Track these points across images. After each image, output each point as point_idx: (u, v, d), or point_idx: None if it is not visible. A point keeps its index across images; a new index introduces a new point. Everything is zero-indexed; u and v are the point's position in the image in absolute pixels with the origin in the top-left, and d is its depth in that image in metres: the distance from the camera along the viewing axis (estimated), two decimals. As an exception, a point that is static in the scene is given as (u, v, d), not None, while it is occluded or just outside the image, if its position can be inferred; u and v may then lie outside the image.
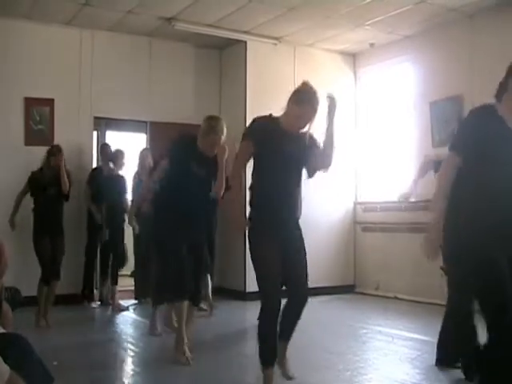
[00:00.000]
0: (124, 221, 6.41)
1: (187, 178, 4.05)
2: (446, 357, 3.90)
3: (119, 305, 6.47)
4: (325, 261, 7.31)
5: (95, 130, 7.50)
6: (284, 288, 3.29)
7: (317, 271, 7.10)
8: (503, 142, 2.66)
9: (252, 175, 3.36)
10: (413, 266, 6.94)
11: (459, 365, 3.77)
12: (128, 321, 6.15)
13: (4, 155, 6.37)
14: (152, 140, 7.42)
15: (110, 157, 6.79)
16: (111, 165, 6.76)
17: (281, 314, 3.21)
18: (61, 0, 6.09)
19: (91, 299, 6.78)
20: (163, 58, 7.45)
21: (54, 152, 5.53)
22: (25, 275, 5.44)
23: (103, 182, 6.66)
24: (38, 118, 6.68)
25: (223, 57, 7.87)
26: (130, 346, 4.81)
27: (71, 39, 6.88)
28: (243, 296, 6.94)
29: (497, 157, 2.64)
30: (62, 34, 6.82)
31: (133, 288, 7.23)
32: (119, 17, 6.59)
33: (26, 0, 6.07)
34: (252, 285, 6.92)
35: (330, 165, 3.32)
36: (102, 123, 7.95)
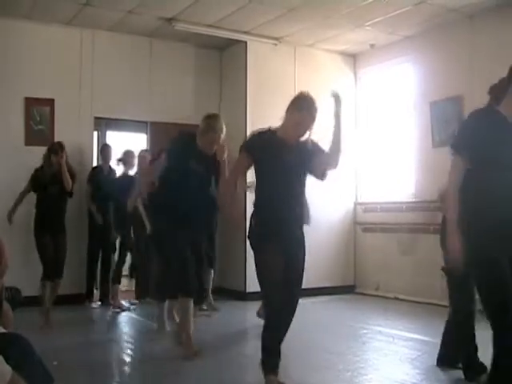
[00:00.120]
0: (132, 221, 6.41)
1: (186, 175, 4.05)
2: (447, 357, 3.90)
3: (121, 304, 6.47)
4: (325, 261, 7.31)
5: (95, 130, 7.50)
6: None
7: (317, 271, 7.15)
8: (504, 147, 2.63)
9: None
10: (413, 266, 6.94)
11: (459, 365, 3.77)
12: (128, 321, 6.15)
13: (4, 155, 6.37)
14: (152, 140, 7.42)
15: (120, 158, 6.82)
16: (121, 165, 6.76)
17: None
18: (61, 0, 6.10)
19: (92, 299, 6.78)
20: (163, 58, 7.45)
21: (56, 149, 5.53)
22: (25, 275, 5.43)
23: (114, 182, 6.68)
24: (39, 118, 6.68)
25: (223, 57, 7.87)
26: (130, 345, 4.81)
27: (72, 39, 6.88)
28: (243, 296, 6.94)
29: (497, 162, 2.63)
30: (62, 34, 6.82)
31: (133, 288, 7.25)
32: (120, 17, 6.59)
33: (27, 0, 6.08)
34: (252, 285, 6.93)
35: (337, 163, 3.33)
36: (103, 123, 7.96)
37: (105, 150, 7.05)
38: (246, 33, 7.13)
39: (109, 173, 6.91)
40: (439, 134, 6.74)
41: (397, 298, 7.09)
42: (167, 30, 6.91)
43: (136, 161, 6.68)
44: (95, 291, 6.93)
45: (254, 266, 3.30)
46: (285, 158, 3.23)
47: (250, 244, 3.33)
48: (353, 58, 8.08)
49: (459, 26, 6.53)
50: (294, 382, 3.53)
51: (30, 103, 6.63)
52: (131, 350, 4.68)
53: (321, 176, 3.40)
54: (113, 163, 7.02)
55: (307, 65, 7.61)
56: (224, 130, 4.12)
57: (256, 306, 5.58)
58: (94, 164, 7.15)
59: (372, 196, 7.82)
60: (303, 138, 3.35)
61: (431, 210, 6.75)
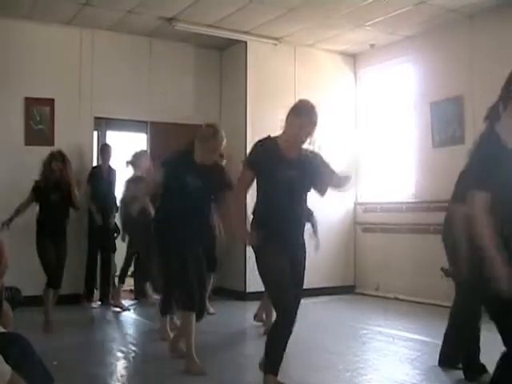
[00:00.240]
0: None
1: (184, 194, 3.96)
2: (447, 357, 3.90)
3: (121, 304, 6.47)
4: (325, 261, 7.30)
5: (95, 130, 7.49)
6: None
7: (317, 272, 7.14)
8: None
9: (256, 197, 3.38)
10: (413, 266, 6.94)
11: (460, 365, 3.77)
12: (128, 321, 6.15)
13: (4, 155, 6.36)
14: (152, 140, 7.42)
15: (130, 160, 6.83)
16: (131, 167, 6.78)
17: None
18: (61, 0, 6.09)
19: (91, 299, 6.78)
20: (163, 58, 7.45)
21: (57, 157, 5.48)
22: (25, 275, 5.43)
23: (127, 185, 6.71)
24: (39, 117, 6.67)
25: (223, 57, 7.87)
26: (130, 345, 4.80)
27: (71, 39, 6.88)
28: (243, 296, 6.94)
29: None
30: (62, 34, 6.82)
31: (132, 288, 7.25)
32: (119, 17, 6.59)
33: (27, 0, 6.07)
34: (252, 285, 6.95)
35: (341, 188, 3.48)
36: (103, 123, 7.94)
37: (104, 149, 7.04)
38: (246, 33, 7.13)
39: (108, 173, 6.90)
40: (439, 135, 6.74)
41: (397, 298, 7.09)
42: (167, 29, 6.91)
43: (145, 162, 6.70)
44: (95, 291, 6.92)
45: (259, 270, 3.28)
46: (287, 172, 3.22)
47: (258, 247, 3.30)
48: (353, 58, 8.07)
49: (459, 26, 6.53)
50: (293, 382, 3.53)
51: (30, 103, 6.63)
52: (131, 350, 4.67)
53: (322, 193, 3.43)
54: (112, 163, 7.01)
55: (307, 65, 7.61)
56: (225, 140, 4.09)
57: (256, 305, 5.58)
58: (94, 164, 7.14)
59: (372, 196, 7.81)
60: (305, 145, 3.33)
61: (431, 211, 6.75)
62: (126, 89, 7.14)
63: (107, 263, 6.82)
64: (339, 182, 3.40)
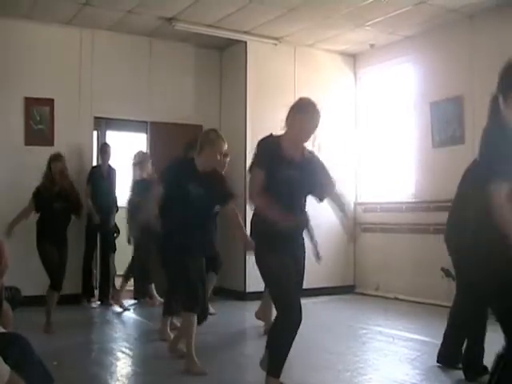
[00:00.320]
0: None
1: (186, 203, 3.93)
2: (446, 357, 3.90)
3: (122, 303, 6.46)
4: (325, 261, 7.21)
5: (95, 129, 7.50)
6: None
7: (317, 271, 7.10)
8: None
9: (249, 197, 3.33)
10: (413, 266, 6.94)
11: (459, 366, 3.77)
12: (128, 321, 6.15)
13: (4, 155, 6.36)
14: (152, 140, 7.42)
15: (136, 160, 6.83)
16: (137, 168, 6.78)
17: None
18: (61, 0, 6.09)
19: (90, 299, 6.77)
20: (163, 58, 7.45)
21: (56, 157, 5.44)
22: (25, 275, 5.43)
23: (134, 188, 6.71)
24: (38, 117, 6.67)
25: (223, 57, 7.87)
26: (130, 345, 4.80)
27: (71, 39, 6.88)
28: (243, 296, 6.94)
29: None
30: (62, 34, 6.81)
31: (132, 288, 7.24)
32: (119, 16, 6.58)
33: (27, 0, 6.07)
34: (252, 285, 6.95)
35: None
36: (102, 123, 7.96)
37: (104, 149, 7.04)
38: (246, 33, 7.13)
39: (108, 172, 6.90)
40: (439, 134, 6.73)
41: (397, 298, 7.09)
42: (167, 29, 6.91)
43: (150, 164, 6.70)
44: (94, 291, 6.92)
45: (262, 269, 3.26)
46: (286, 172, 3.21)
47: (260, 247, 3.28)
48: (353, 58, 8.07)
49: (459, 26, 6.53)
50: (293, 381, 3.53)
51: (30, 103, 6.63)
52: (131, 350, 4.67)
53: (320, 198, 3.44)
54: (112, 162, 7.01)
55: (307, 65, 7.60)
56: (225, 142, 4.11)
57: (256, 305, 5.58)
58: (94, 164, 7.14)
59: (372, 196, 7.82)
60: (307, 145, 3.33)
61: (431, 210, 6.75)
62: (126, 89, 7.14)
63: (106, 263, 6.82)
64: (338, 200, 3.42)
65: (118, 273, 7.47)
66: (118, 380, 3.86)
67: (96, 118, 7.12)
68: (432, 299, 6.47)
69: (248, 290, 6.93)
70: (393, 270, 7.24)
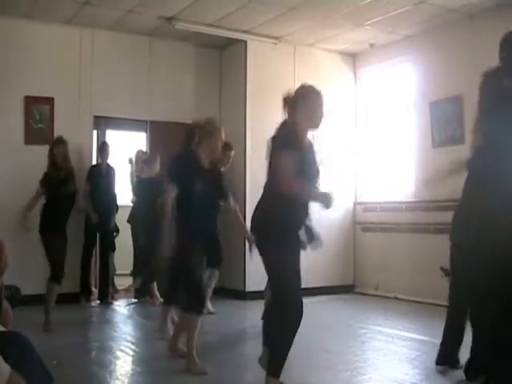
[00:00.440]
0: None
1: (193, 200, 3.92)
2: (445, 357, 3.89)
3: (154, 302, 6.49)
4: (324, 261, 7.30)
5: (95, 128, 7.49)
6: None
7: (316, 271, 7.15)
8: None
9: (277, 183, 3.20)
10: (413, 266, 6.94)
11: (459, 366, 3.76)
12: (128, 320, 6.15)
13: (4, 154, 6.36)
14: (152, 139, 7.42)
15: (145, 161, 6.84)
16: (145, 168, 6.77)
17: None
18: (61, -1, 6.10)
19: (89, 297, 6.77)
20: (163, 57, 7.45)
21: (59, 141, 5.47)
22: (24, 274, 5.43)
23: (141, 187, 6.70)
24: (38, 116, 6.67)
25: (223, 56, 7.86)
26: (129, 345, 4.80)
27: (71, 38, 6.88)
28: (243, 296, 6.94)
29: None
30: (62, 33, 6.81)
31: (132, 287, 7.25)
32: (119, 16, 6.58)
33: (27, -1, 6.08)
34: (252, 284, 6.95)
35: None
36: (102, 122, 7.96)
37: (103, 147, 7.04)
38: (245, 32, 7.13)
39: (107, 171, 6.89)
40: (439, 134, 6.73)
41: (396, 298, 7.09)
42: (167, 29, 6.91)
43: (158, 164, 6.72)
44: (94, 290, 6.93)
45: (276, 266, 3.20)
46: (308, 157, 3.22)
47: (278, 242, 3.16)
48: (352, 58, 8.07)
49: (459, 25, 6.53)
50: (293, 381, 3.52)
51: (30, 102, 6.62)
52: (131, 349, 4.67)
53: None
54: (111, 161, 7.01)
55: (307, 64, 7.60)
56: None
57: (255, 305, 5.58)
58: (94, 163, 7.14)
59: (372, 196, 7.82)
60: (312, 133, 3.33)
61: (431, 210, 6.75)
62: (126, 88, 7.14)
63: (105, 262, 6.81)
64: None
65: (117, 272, 7.50)
66: (118, 379, 3.86)
67: (96, 116, 7.12)
68: (431, 299, 6.47)
69: (248, 289, 6.94)
70: (392, 269, 7.24)
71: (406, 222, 7.09)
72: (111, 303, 6.72)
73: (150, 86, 7.32)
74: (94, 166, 6.96)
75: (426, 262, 6.62)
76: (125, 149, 7.94)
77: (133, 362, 4.34)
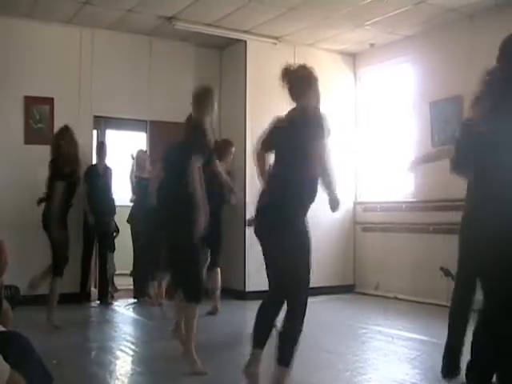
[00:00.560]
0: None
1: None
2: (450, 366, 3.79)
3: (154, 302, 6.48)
4: (324, 260, 7.30)
5: (95, 128, 7.48)
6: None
7: (316, 271, 7.07)
8: None
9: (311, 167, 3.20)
10: (413, 266, 6.95)
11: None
12: (127, 320, 6.15)
13: (3, 154, 6.36)
14: (152, 139, 7.42)
15: (138, 161, 6.83)
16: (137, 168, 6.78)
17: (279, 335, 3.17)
18: (61, -1, 6.10)
19: (89, 298, 6.76)
20: (163, 57, 7.44)
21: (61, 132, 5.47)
22: (24, 274, 5.42)
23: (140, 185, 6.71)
24: (38, 116, 6.67)
25: (223, 56, 7.86)
26: (129, 345, 4.80)
27: (71, 38, 6.88)
28: (243, 295, 6.94)
29: None
30: (62, 33, 6.81)
31: (132, 287, 7.24)
32: (119, 15, 6.58)
33: (26, -1, 6.08)
34: (252, 284, 6.95)
35: None
36: (102, 122, 7.94)
37: (100, 147, 7.03)
38: (245, 32, 7.13)
39: (104, 171, 6.88)
40: (438, 134, 6.73)
41: (396, 298, 7.09)
42: (167, 28, 6.91)
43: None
44: (94, 290, 6.92)
45: (305, 265, 3.19)
46: None
47: (304, 235, 3.20)
48: (352, 58, 8.07)
49: (459, 25, 6.53)
50: (293, 381, 3.52)
51: (30, 102, 6.62)
52: (131, 349, 4.67)
53: None
54: (110, 161, 7.00)
55: (307, 64, 7.58)
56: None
57: (255, 305, 5.56)
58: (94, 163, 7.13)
59: (371, 195, 7.82)
60: None
61: (431, 210, 6.76)
62: (126, 88, 7.14)
63: (103, 263, 6.80)
64: None
65: (117, 272, 7.50)
66: (118, 379, 3.86)
67: (96, 116, 7.12)
68: (431, 299, 6.47)
69: (248, 289, 6.93)
70: (392, 269, 7.24)
71: (406, 222, 7.09)
72: (111, 303, 6.72)
73: (150, 85, 7.32)
74: (92, 166, 6.93)
75: (426, 262, 6.63)
76: (125, 149, 7.94)
77: (132, 362, 4.34)
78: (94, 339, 5.15)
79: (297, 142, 3.14)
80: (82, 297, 6.68)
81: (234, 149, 6.17)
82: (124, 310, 6.52)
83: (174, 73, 7.49)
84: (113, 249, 7.10)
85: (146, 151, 7.28)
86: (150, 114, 7.34)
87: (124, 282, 7.57)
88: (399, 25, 6.74)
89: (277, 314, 3.31)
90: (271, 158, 3.32)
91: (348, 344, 4.82)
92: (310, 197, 3.19)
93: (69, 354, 4.34)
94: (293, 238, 3.12)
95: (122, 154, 7.84)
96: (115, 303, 6.81)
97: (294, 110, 3.27)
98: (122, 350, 4.59)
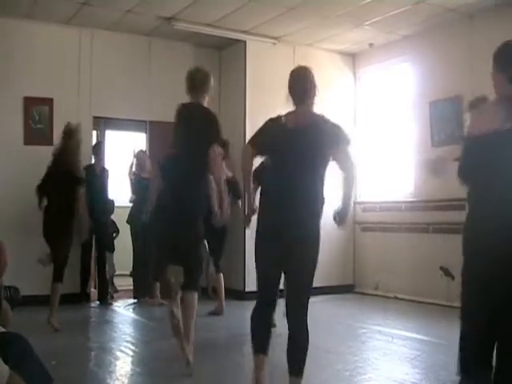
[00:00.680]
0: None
1: None
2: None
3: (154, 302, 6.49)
4: (324, 260, 7.21)
5: (94, 129, 7.49)
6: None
7: (316, 271, 7.12)
8: None
9: (322, 174, 3.22)
10: (412, 265, 6.95)
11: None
12: (127, 321, 6.15)
13: (3, 154, 6.36)
14: (151, 139, 7.42)
15: (138, 161, 6.83)
16: (136, 168, 6.78)
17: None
18: (60, -1, 6.10)
19: (87, 298, 6.76)
20: (163, 57, 7.44)
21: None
22: (24, 274, 5.42)
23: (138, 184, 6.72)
24: (38, 117, 6.67)
25: (222, 56, 7.86)
26: (129, 345, 4.80)
27: (70, 38, 6.88)
28: (242, 296, 6.93)
29: None
30: (61, 34, 6.81)
31: (132, 288, 7.24)
32: (118, 16, 6.58)
33: (26, -1, 6.08)
34: (251, 284, 6.93)
35: None
36: (102, 123, 7.95)
37: (97, 147, 7.02)
38: (245, 32, 7.13)
39: (101, 171, 6.87)
40: (438, 134, 6.74)
41: (396, 298, 7.09)
42: (166, 29, 6.91)
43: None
44: (93, 290, 6.92)
45: (315, 266, 3.28)
46: None
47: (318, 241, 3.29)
48: (352, 58, 8.08)
49: (458, 25, 6.53)
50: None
51: (29, 102, 6.62)
52: (130, 349, 4.67)
53: None
54: (110, 161, 7.01)
55: (306, 64, 7.56)
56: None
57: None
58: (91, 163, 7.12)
59: (371, 195, 7.82)
60: None
61: (430, 210, 6.76)
62: (125, 88, 7.14)
63: (102, 263, 6.80)
64: None
65: (117, 272, 7.50)
66: (117, 379, 3.85)
67: (95, 117, 7.12)
68: (431, 298, 6.48)
69: (247, 289, 6.93)
70: (392, 269, 7.24)
71: (406, 222, 7.09)
72: (111, 304, 6.72)
73: (150, 86, 7.32)
74: (89, 166, 6.91)
75: (426, 262, 6.63)
76: (124, 149, 7.94)
77: (132, 363, 4.34)
78: (94, 340, 5.15)
79: (313, 149, 3.08)
80: (82, 297, 6.68)
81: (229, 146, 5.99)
82: (124, 311, 6.52)
83: (173, 73, 7.46)
84: (112, 249, 7.10)
85: (145, 151, 7.28)
86: (150, 115, 7.34)
87: (124, 283, 7.58)
88: (398, 25, 6.74)
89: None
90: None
91: (348, 344, 4.82)
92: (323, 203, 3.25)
93: (68, 355, 4.34)
94: (316, 249, 3.29)
95: (122, 154, 7.83)
96: (115, 304, 6.81)
97: (303, 114, 3.18)
98: (121, 351, 4.59)
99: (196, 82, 4.19)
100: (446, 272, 6.07)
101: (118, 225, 7.44)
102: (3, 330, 2.37)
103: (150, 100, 7.29)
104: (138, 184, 6.96)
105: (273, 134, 3.19)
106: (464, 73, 6.42)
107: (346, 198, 3.27)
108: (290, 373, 3.04)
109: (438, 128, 6.73)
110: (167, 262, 4.17)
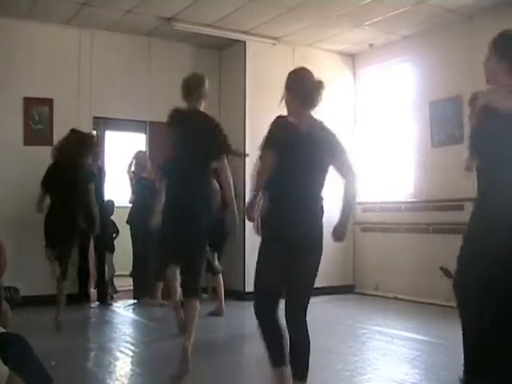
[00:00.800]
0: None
1: None
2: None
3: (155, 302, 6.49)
4: (324, 261, 7.22)
5: (94, 129, 7.47)
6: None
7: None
8: None
9: (323, 180, 3.28)
10: (412, 266, 6.94)
11: None
12: (127, 321, 6.15)
13: (3, 155, 6.36)
14: (151, 140, 7.42)
15: (138, 160, 6.82)
16: (136, 168, 6.78)
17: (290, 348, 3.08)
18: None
19: (87, 299, 6.75)
20: (162, 57, 7.44)
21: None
22: (24, 275, 5.42)
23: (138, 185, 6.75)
24: (38, 117, 6.67)
25: (222, 57, 7.86)
26: (129, 346, 4.80)
27: (70, 39, 6.88)
28: (242, 296, 6.93)
29: None
30: (61, 34, 6.81)
31: (132, 288, 7.24)
32: (118, 16, 6.58)
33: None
34: (251, 285, 6.91)
35: None
36: (101, 123, 7.94)
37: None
38: (244, 32, 7.13)
39: (98, 172, 6.85)
40: (438, 134, 6.74)
41: (396, 298, 7.09)
42: (166, 29, 6.91)
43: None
44: (93, 290, 6.92)
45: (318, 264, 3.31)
46: None
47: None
48: (352, 58, 8.08)
49: (458, 25, 6.54)
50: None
51: (29, 103, 6.62)
52: (130, 350, 4.66)
53: None
54: (109, 161, 7.00)
55: (306, 64, 7.38)
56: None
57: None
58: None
59: (371, 196, 7.81)
60: None
61: (430, 210, 6.76)
62: (125, 88, 7.14)
63: (101, 263, 6.79)
64: None
65: (117, 273, 7.50)
66: (117, 380, 3.85)
67: (95, 117, 7.12)
68: (431, 299, 6.47)
69: (247, 289, 6.93)
70: (392, 269, 7.24)
71: (406, 222, 7.09)
72: (110, 304, 6.72)
73: (149, 86, 7.32)
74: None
75: (426, 262, 6.63)
76: (124, 149, 7.94)
77: (132, 363, 4.34)
78: (94, 340, 5.14)
79: (320, 152, 3.14)
80: (82, 298, 6.68)
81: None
82: (124, 311, 6.52)
83: (173, 73, 7.45)
84: (112, 250, 7.10)
85: (145, 152, 7.28)
86: (150, 115, 7.33)
87: (124, 283, 7.58)
88: (398, 25, 6.74)
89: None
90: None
91: (348, 344, 4.82)
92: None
93: (68, 355, 4.33)
94: (319, 255, 3.34)
95: (122, 154, 7.83)
96: (115, 304, 6.81)
97: (311, 118, 3.21)
98: (121, 351, 4.58)
99: (191, 86, 4.17)
100: (446, 272, 6.05)
101: (117, 225, 7.44)
102: (3, 330, 2.37)
103: (150, 100, 7.29)
104: (138, 184, 6.96)
105: (286, 135, 3.17)
106: (464, 73, 6.41)
107: (347, 208, 3.25)
108: (293, 376, 3.02)
109: (438, 128, 6.73)
110: (169, 262, 4.16)
